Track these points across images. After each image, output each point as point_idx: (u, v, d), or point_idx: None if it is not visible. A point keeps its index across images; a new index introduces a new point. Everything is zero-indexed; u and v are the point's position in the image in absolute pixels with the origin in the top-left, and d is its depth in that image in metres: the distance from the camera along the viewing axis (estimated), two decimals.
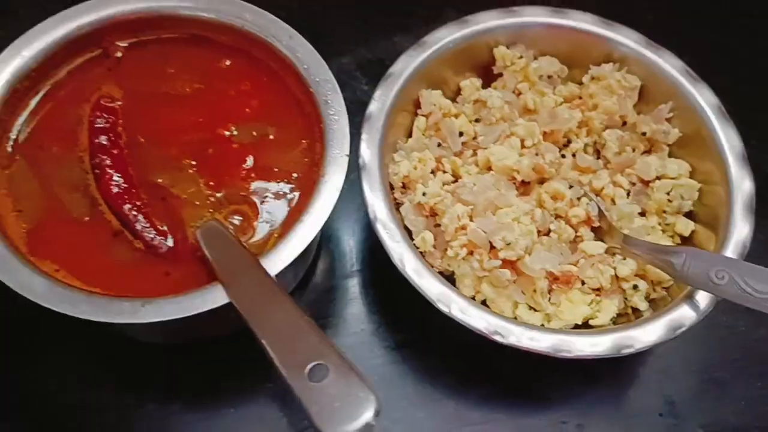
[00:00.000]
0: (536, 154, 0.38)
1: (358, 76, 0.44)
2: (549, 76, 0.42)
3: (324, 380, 0.27)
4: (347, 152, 0.34)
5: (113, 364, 0.39)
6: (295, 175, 0.35)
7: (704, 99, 0.39)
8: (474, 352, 0.37)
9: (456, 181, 0.38)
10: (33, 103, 0.36)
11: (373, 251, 0.41)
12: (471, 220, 0.36)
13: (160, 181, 0.34)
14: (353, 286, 0.40)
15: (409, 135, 0.40)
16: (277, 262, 0.31)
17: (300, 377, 0.26)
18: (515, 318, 0.35)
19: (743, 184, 0.36)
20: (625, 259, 0.36)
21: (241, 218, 0.33)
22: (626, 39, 0.41)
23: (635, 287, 0.36)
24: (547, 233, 0.37)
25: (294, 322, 0.28)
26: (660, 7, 0.52)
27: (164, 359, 0.38)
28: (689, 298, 0.34)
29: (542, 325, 0.35)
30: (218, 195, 0.34)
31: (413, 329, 0.39)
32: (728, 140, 0.38)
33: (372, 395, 0.26)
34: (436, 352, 0.39)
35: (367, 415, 0.26)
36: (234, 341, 0.32)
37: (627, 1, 0.49)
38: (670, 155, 0.40)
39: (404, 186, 0.37)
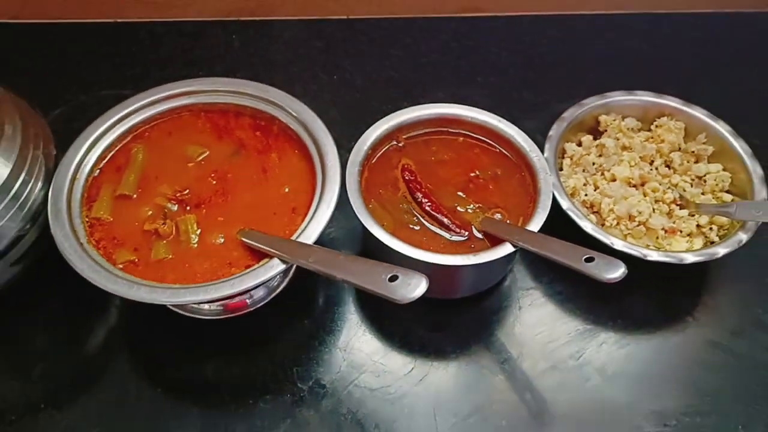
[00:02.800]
0: (638, 169, 0.68)
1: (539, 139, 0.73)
2: (630, 128, 0.73)
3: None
4: (551, 183, 0.63)
5: None
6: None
7: (722, 128, 0.70)
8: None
9: (596, 189, 0.68)
10: (366, 171, 0.65)
11: None
12: (614, 206, 0.65)
13: (448, 204, 0.63)
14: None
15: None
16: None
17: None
18: None
19: (756, 169, 0.66)
20: (700, 216, 0.65)
21: (499, 215, 0.62)
22: (671, 102, 0.72)
23: (710, 229, 0.64)
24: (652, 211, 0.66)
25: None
26: (683, 76, 0.83)
27: None
28: (742, 229, 0.63)
29: None
30: (480, 206, 0.63)
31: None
32: (741, 147, 0.68)
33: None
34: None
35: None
36: None
37: (665, 77, 0.80)
38: (709, 162, 0.70)
39: (572, 194, 0.67)
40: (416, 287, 0.45)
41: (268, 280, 0.53)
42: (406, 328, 0.64)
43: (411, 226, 0.61)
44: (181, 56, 0.85)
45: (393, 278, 0.46)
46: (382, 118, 0.65)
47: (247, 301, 0.64)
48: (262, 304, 0.65)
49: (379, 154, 0.65)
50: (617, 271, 0.49)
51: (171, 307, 0.63)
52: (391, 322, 0.64)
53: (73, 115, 0.66)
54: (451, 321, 0.64)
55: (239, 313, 0.64)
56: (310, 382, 0.60)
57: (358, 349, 0.62)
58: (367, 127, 0.64)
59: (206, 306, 0.63)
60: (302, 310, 0.65)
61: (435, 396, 0.59)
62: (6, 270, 0.58)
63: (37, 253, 0.61)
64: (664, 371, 0.61)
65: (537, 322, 0.64)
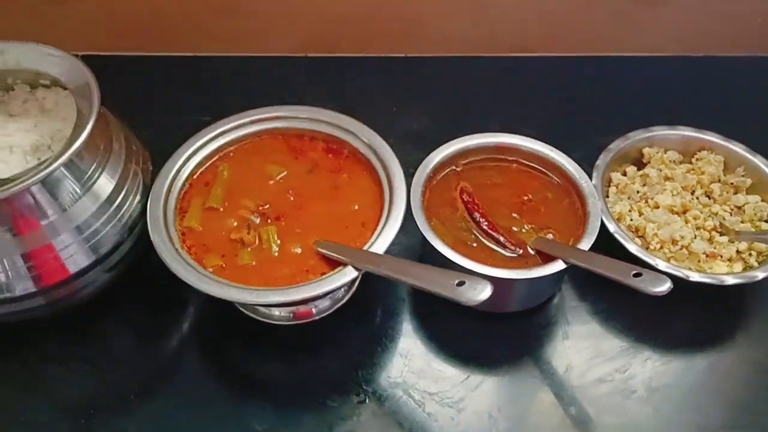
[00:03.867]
0: (680, 198, 0.73)
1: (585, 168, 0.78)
2: (672, 161, 0.78)
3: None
4: (599, 207, 0.68)
5: None
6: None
7: (760, 161, 0.74)
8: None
9: (640, 215, 0.73)
10: (427, 192, 0.71)
11: None
12: (658, 230, 0.70)
13: (503, 224, 0.68)
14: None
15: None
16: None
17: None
18: None
19: None
20: (740, 242, 0.70)
21: (551, 235, 0.67)
22: (711, 137, 0.77)
23: (750, 255, 0.69)
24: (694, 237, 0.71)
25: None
26: (722, 113, 0.88)
27: None
28: None
29: None
30: (533, 226, 0.68)
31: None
32: None
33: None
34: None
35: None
36: None
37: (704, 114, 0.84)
38: (747, 193, 0.75)
39: (618, 219, 0.72)
40: (482, 291, 0.51)
41: (344, 285, 0.59)
42: (461, 338, 0.69)
43: (469, 243, 0.66)
44: (253, 87, 0.93)
45: (460, 283, 0.52)
46: (438, 145, 0.71)
47: (313, 310, 0.70)
48: (327, 313, 0.70)
49: (439, 177, 0.71)
50: (664, 285, 0.54)
51: (244, 311, 0.69)
52: (447, 333, 0.69)
53: (158, 137, 0.73)
54: (504, 334, 0.69)
55: (305, 320, 0.70)
56: (374, 384, 0.65)
57: (417, 356, 0.67)
58: (424, 154, 0.70)
59: (276, 312, 0.69)
60: (364, 319, 0.70)
61: (490, 402, 0.64)
62: (101, 276, 0.64)
63: (129, 261, 0.66)
64: (706, 387, 0.65)
65: (584, 338, 0.68)
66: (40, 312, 0.64)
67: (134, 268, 0.68)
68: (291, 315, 0.70)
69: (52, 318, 0.67)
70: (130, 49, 0.93)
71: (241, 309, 0.70)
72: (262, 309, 0.69)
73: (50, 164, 0.58)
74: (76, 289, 0.64)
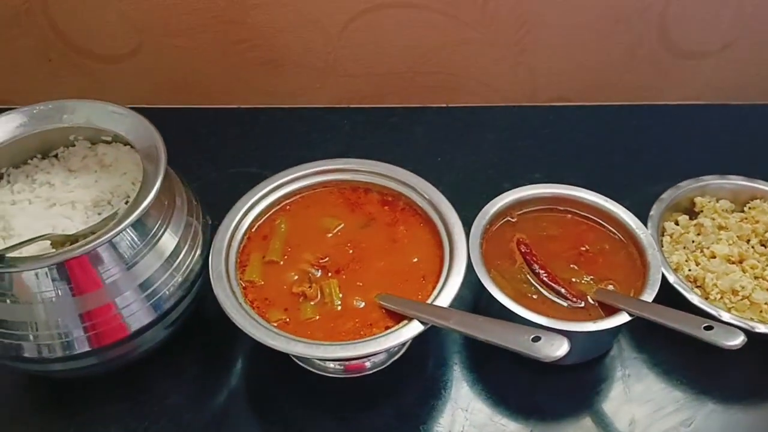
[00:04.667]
0: (736, 247, 0.73)
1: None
2: (725, 209, 0.78)
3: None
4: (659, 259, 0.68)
5: None
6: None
7: None
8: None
9: (697, 264, 0.73)
10: (484, 243, 0.71)
11: None
12: (717, 280, 0.70)
13: (562, 275, 0.68)
14: None
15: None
16: None
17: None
18: None
19: None
20: None
21: (611, 286, 0.67)
22: (762, 185, 0.78)
23: None
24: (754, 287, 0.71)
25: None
26: None
27: None
28: None
29: None
30: (591, 277, 0.68)
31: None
32: None
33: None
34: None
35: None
36: None
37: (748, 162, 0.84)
38: None
39: (676, 269, 0.72)
40: (559, 347, 0.50)
41: (410, 340, 0.59)
42: (520, 391, 0.68)
43: (529, 295, 0.66)
44: (298, 138, 0.94)
45: (536, 339, 0.52)
46: (483, 195, 0.72)
47: (367, 364, 0.70)
48: (380, 368, 0.70)
49: (494, 229, 0.71)
50: (738, 339, 0.54)
51: (300, 363, 0.69)
52: (505, 386, 0.68)
53: (207, 189, 0.74)
54: (563, 386, 0.68)
55: (357, 374, 0.69)
56: None
57: (479, 410, 0.66)
58: (471, 204, 0.71)
59: (331, 365, 0.69)
60: (419, 374, 0.70)
61: None
62: (160, 333, 0.64)
63: (187, 316, 0.67)
64: None
65: (645, 390, 0.68)
66: (92, 371, 0.64)
67: (188, 321, 0.68)
68: (342, 368, 0.69)
69: (105, 375, 0.67)
70: (176, 102, 0.95)
71: (296, 361, 0.69)
72: (317, 362, 0.69)
73: (119, 223, 0.58)
74: (133, 347, 0.63)
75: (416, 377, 0.69)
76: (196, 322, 0.71)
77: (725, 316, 0.64)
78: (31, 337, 0.59)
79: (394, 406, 0.67)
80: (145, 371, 0.69)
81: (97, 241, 0.57)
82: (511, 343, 0.52)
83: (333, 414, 0.67)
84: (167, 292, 0.63)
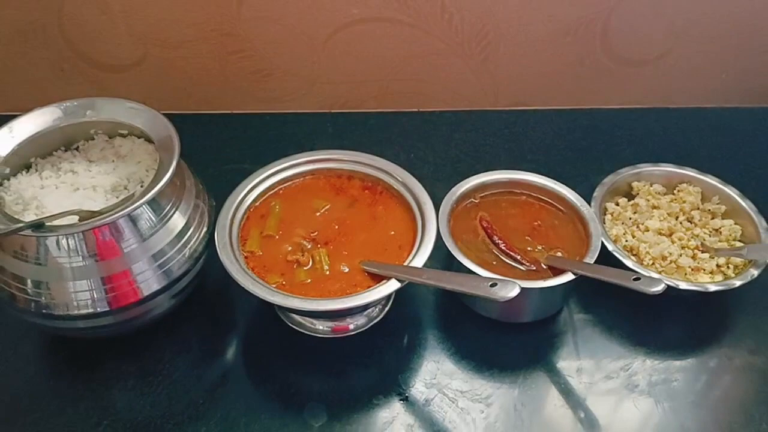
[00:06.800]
0: (666, 222, 0.86)
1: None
2: (658, 192, 0.91)
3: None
4: (599, 230, 0.80)
5: None
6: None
7: (731, 191, 0.87)
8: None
9: (633, 237, 0.85)
10: (452, 220, 0.83)
11: None
12: (649, 249, 0.82)
13: (519, 246, 0.80)
14: None
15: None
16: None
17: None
18: None
19: (762, 222, 0.83)
20: (719, 258, 0.82)
21: (560, 253, 0.79)
22: (689, 171, 0.90)
23: (728, 267, 0.81)
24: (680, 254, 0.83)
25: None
26: (699, 152, 1.02)
27: None
28: (753, 267, 0.79)
29: None
30: (543, 247, 0.80)
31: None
32: (748, 206, 0.85)
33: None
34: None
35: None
36: None
37: (683, 153, 0.98)
38: (722, 218, 0.88)
39: (615, 241, 0.84)
40: (512, 289, 0.61)
41: (391, 294, 0.70)
42: (484, 345, 0.78)
43: (490, 261, 0.78)
44: (286, 139, 1.05)
45: (493, 285, 0.63)
46: (453, 184, 0.83)
47: (350, 326, 0.80)
48: (362, 329, 0.80)
49: (460, 208, 0.83)
50: (659, 285, 0.65)
51: (291, 326, 0.79)
52: (472, 342, 0.79)
53: (207, 182, 0.83)
54: (521, 341, 0.79)
55: (343, 335, 0.79)
56: (413, 385, 0.74)
57: (448, 362, 0.77)
58: (442, 192, 0.82)
59: (320, 327, 0.79)
60: (397, 335, 0.80)
61: (514, 398, 0.73)
62: (167, 301, 0.73)
63: (191, 288, 0.76)
64: (698, 379, 0.76)
65: (590, 344, 0.79)
66: (109, 331, 0.73)
67: (193, 294, 0.77)
68: (330, 329, 0.79)
69: (115, 338, 0.77)
70: (176, 108, 1.05)
71: (289, 324, 0.79)
72: (308, 323, 0.79)
73: (138, 199, 0.68)
74: (144, 311, 0.73)
75: (394, 337, 0.80)
76: (200, 295, 0.81)
77: (655, 276, 0.76)
78: (61, 296, 0.68)
79: (376, 361, 0.78)
80: (153, 337, 0.78)
81: (119, 214, 0.67)
82: (473, 289, 0.63)
83: (323, 371, 0.77)
84: (176, 264, 0.72)
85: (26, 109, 0.77)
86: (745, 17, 1.03)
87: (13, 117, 0.76)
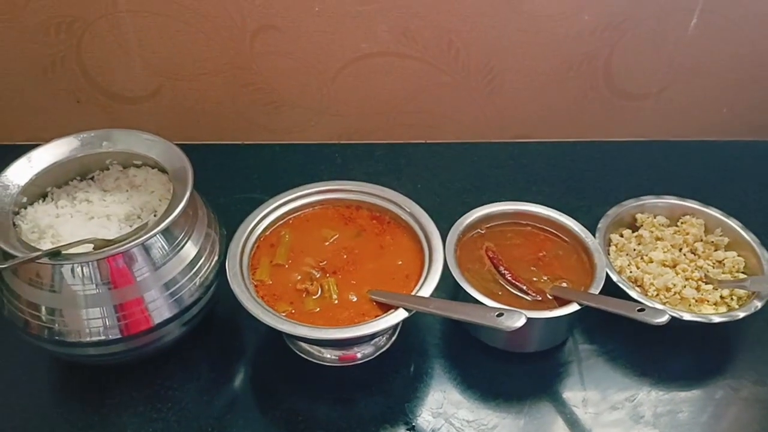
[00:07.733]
0: (670, 254, 0.87)
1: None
2: (661, 224, 0.92)
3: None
4: (604, 261, 0.81)
5: None
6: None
7: (734, 223, 0.88)
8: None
9: (638, 268, 0.86)
10: (458, 250, 0.84)
11: None
12: (654, 280, 0.83)
13: (524, 276, 0.81)
14: None
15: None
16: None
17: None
18: None
19: (764, 254, 0.84)
20: (722, 289, 0.83)
21: (565, 284, 0.80)
22: (692, 204, 0.92)
23: (731, 299, 0.82)
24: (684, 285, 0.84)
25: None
26: (701, 184, 1.04)
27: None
28: (756, 298, 0.80)
29: None
30: (548, 277, 0.81)
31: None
32: (751, 239, 0.86)
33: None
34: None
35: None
36: None
37: (686, 185, 0.99)
38: (725, 250, 0.89)
39: (620, 272, 0.85)
40: (518, 319, 0.63)
41: (398, 323, 0.71)
42: (489, 375, 0.79)
43: (496, 291, 0.79)
44: (296, 169, 1.07)
45: (499, 314, 0.64)
46: (459, 215, 0.85)
47: (358, 354, 0.81)
48: (369, 358, 0.81)
49: (466, 238, 0.84)
50: (663, 317, 0.66)
51: (300, 354, 0.80)
52: (477, 371, 0.80)
53: (218, 211, 0.85)
54: (526, 371, 0.80)
55: (350, 363, 0.80)
56: (420, 415, 0.75)
57: (454, 392, 0.77)
58: (447, 223, 0.83)
59: (328, 355, 0.80)
60: (403, 363, 0.81)
61: (519, 429, 0.74)
62: (178, 329, 0.74)
63: (202, 317, 0.77)
64: (703, 410, 0.76)
65: (595, 374, 0.79)
66: (120, 358, 0.74)
67: (203, 322, 0.78)
68: (337, 358, 0.80)
69: (125, 365, 0.78)
70: (189, 138, 1.06)
71: (297, 353, 0.80)
72: (315, 351, 0.80)
73: (152, 229, 0.70)
74: (155, 339, 0.74)
75: (401, 366, 0.81)
76: (210, 323, 0.82)
77: (659, 307, 0.77)
78: (74, 323, 0.69)
79: (383, 390, 0.78)
80: (163, 364, 0.79)
81: (134, 243, 0.69)
82: (480, 319, 0.65)
83: (330, 399, 0.78)
84: (187, 292, 0.74)
85: (43, 139, 0.79)
86: (745, 54, 1.05)
87: (31, 147, 0.78)
